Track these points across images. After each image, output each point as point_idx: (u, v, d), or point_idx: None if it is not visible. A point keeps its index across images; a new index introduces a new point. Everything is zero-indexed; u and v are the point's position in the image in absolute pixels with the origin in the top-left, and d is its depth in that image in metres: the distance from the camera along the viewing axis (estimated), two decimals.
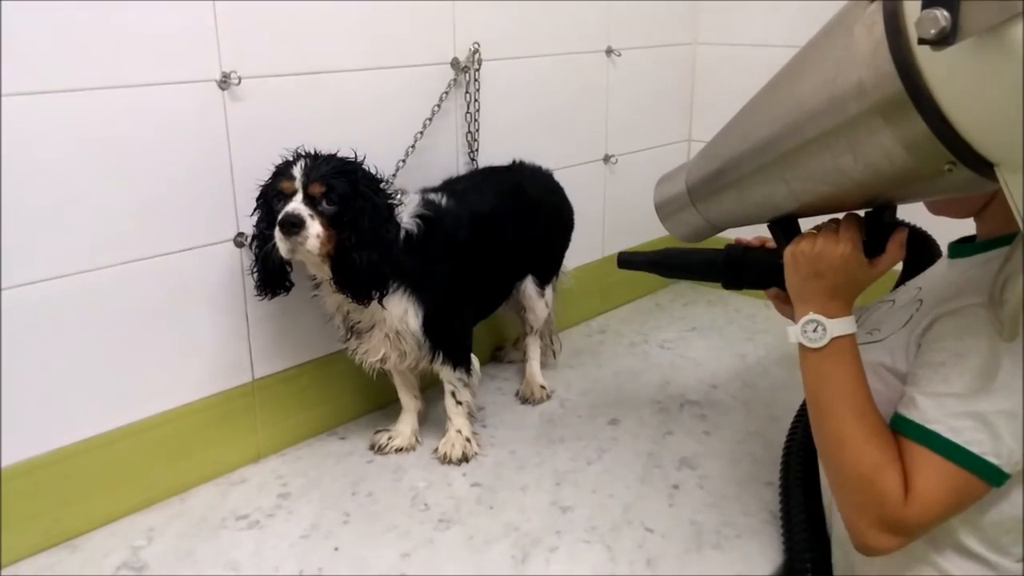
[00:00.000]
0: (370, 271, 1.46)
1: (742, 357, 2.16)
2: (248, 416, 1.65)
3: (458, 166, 1.92)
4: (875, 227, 1.13)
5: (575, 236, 2.06)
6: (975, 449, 1.03)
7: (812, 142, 1.03)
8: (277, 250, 1.44)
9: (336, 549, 1.42)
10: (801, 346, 1.17)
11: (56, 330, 1.37)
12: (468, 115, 1.89)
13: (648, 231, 2.49)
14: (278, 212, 1.43)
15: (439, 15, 1.80)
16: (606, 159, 2.33)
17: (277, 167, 1.48)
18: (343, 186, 1.45)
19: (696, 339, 2.29)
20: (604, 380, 2.05)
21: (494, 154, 1.95)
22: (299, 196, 1.43)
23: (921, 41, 0.80)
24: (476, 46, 1.84)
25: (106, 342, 1.43)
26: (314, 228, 1.41)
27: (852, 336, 1.14)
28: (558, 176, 2.01)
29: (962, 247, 1.23)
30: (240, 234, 1.56)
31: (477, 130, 1.91)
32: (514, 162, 1.94)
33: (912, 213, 1.22)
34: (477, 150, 1.92)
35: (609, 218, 2.39)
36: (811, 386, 1.17)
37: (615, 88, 2.29)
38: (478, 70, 1.86)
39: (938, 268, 1.30)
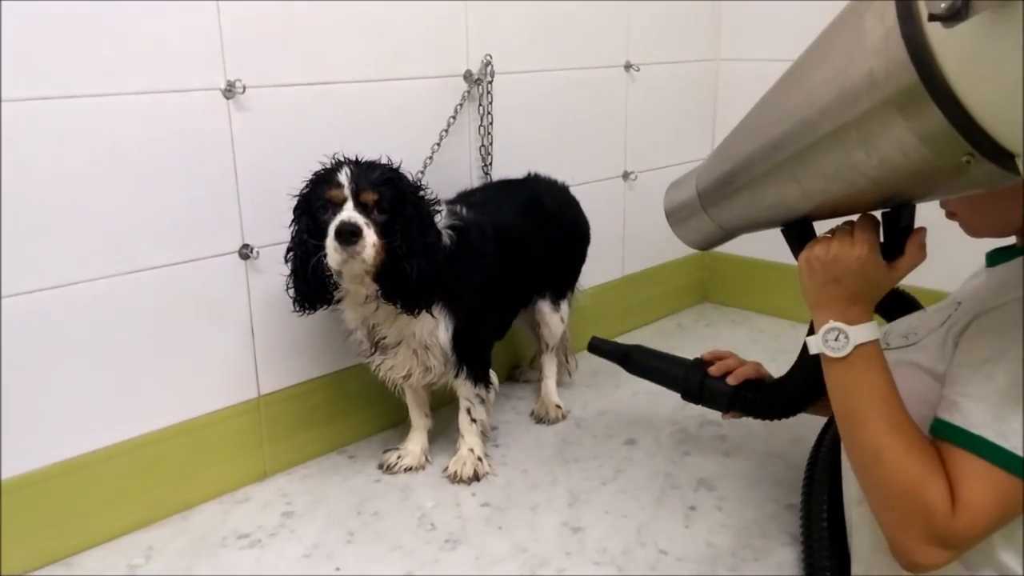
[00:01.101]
0: (420, 280, 1.42)
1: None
2: (253, 433, 1.62)
3: (472, 180, 1.89)
4: (893, 228, 1.08)
5: (593, 255, 2.02)
6: None
7: (824, 138, 0.98)
8: (323, 262, 1.39)
9: (337, 569, 1.38)
10: (825, 357, 1.11)
11: (55, 340, 1.35)
12: (482, 128, 1.86)
13: (670, 250, 2.46)
14: (326, 222, 1.38)
15: (452, 27, 1.78)
16: (625, 176, 2.29)
17: (317, 174, 1.44)
18: (391, 193, 1.41)
19: None
20: (622, 400, 2.00)
21: (509, 169, 1.92)
22: (350, 204, 1.38)
23: (931, 17, 0.75)
24: (489, 58, 1.82)
25: (106, 354, 1.40)
26: (370, 237, 1.37)
27: (876, 343, 1.08)
28: (576, 192, 1.98)
29: (1001, 253, 1.18)
30: (245, 246, 1.53)
31: (491, 144, 1.88)
32: (529, 174, 1.90)
33: (948, 228, 1.17)
34: (491, 164, 1.89)
35: (629, 236, 2.35)
36: (839, 398, 1.11)
37: (634, 104, 2.26)
38: (491, 83, 1.83)
39: (976, 278, 1.24)
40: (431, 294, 1.45)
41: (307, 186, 1.44)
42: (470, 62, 1.82)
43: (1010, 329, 1.01)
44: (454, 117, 1.78)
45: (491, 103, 1.85)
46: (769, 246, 1.19)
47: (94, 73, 1.31)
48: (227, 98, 1.46)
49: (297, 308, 1.48)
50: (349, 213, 1.37)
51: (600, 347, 1.66)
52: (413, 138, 1.74)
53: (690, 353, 2.27)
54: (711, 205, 1.24)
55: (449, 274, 1.50)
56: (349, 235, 1.34)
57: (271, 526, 1.49)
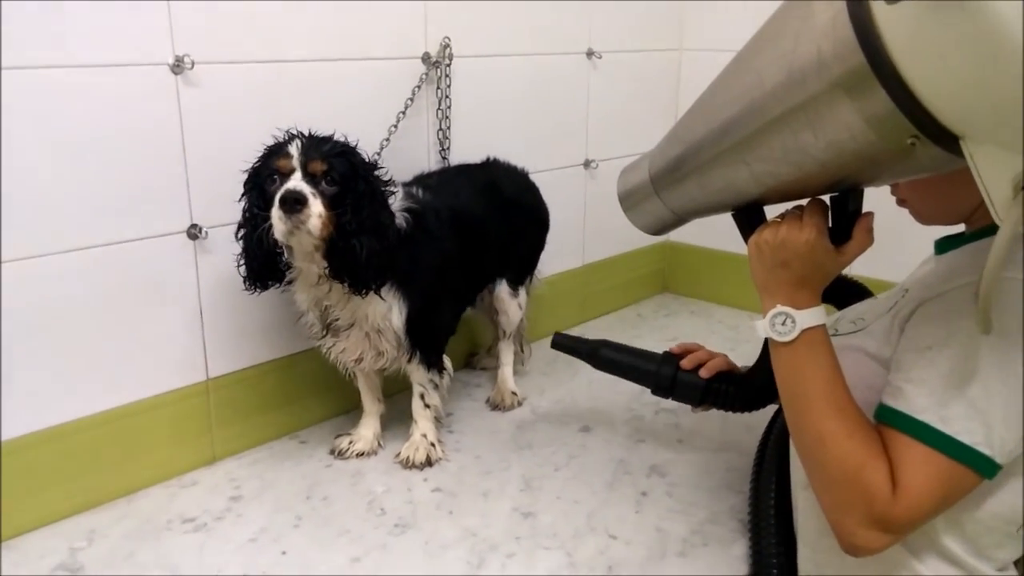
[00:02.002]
0: (369, 259, 1.40)
1: None
2: (202, 417, 1.59)
3: (430, 164, 1.87)
4: (840, 213, 1.08)
5: (554, 243, 2.01)
6: (966, 440, 0.97)
7: (772, 120, 0.98)
8: (270, 234, 1.36)
9: (284, 553, 1.36)
10: (772, 341, 1.11)
11: None
12: (440, 112, 1.85)
13: (631, 240, 2.45)
14: (274, 192, 1.35)
15: (410, 8, 1.75)
16: (587, 164, 2.28)
17: (269, 147, 1.42)
18: (343, 166, 1.39)
19: None
20: (578, 388, 1.99)
21: (468, 154, 1.91)
22: (298, 174, 1.36)
23: None
24: (447, 41, 1.80)
25: (48, 333, 1.37)
26: (316, 207, 1.34)
27: (823, 328, 1.08)
28: (537, 180, 1.96)
29: (949, 241, 1.18)
30: (194, 226, 1.50)
31: (449, 128, 1.86)
32: (488, 159, 1.89)
33: (901, 220, 1.17)
34: (449, 148, 1.88)
35: (590, 225, 2.34)
36: (785, 382, 1.11)
37: (596, 91, 2.25)
38: (449, 65, 1.81)
39: (926, 266, 1.24)
40: (381, 274, 1.43)
41: (258, 159, 1.42)
42: (428, 44, 1.80)
43: (954, 315, 1.01)
44: (411, 100, 1.76)
45: (449, 86, 1.83)
46: (729, 238, 1.18)
47: (34, 45, 1.27)
48: (175, 74, 1.43)
49: (247, 285, 1.45)
50: (295, 182, 1.35)
51: (564, 343, 1.60)
52: (370, 119, 1.71)
53: (651, 343, 2.27)
54: (663, 189, 1.24)
55: (403, 257, 1.48)
56: (293, 203, 1.32)
57: (218, 510, 1.47)
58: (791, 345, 1.08)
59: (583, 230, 2.34)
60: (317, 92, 1.63)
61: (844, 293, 1.48)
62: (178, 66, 1.42)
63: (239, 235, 1.44)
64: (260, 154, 1.42)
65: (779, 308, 1.08)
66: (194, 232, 1.50)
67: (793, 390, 1.09)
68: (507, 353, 1.94)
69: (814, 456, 1.07)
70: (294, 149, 1.38)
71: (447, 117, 1.85)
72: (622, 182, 1.32)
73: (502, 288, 1.87)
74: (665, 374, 1.45)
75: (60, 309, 1.38)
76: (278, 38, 1.55)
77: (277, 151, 1.40)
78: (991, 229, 1.03)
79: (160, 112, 1.43)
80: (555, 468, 1.62)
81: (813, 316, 1.08)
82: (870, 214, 1.08)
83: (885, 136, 0.87)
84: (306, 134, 1.42)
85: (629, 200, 1.32)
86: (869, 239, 1.08)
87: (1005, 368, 0.97)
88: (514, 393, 1.90)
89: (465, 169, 1.85)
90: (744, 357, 1.45)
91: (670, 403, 1.85)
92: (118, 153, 1.39)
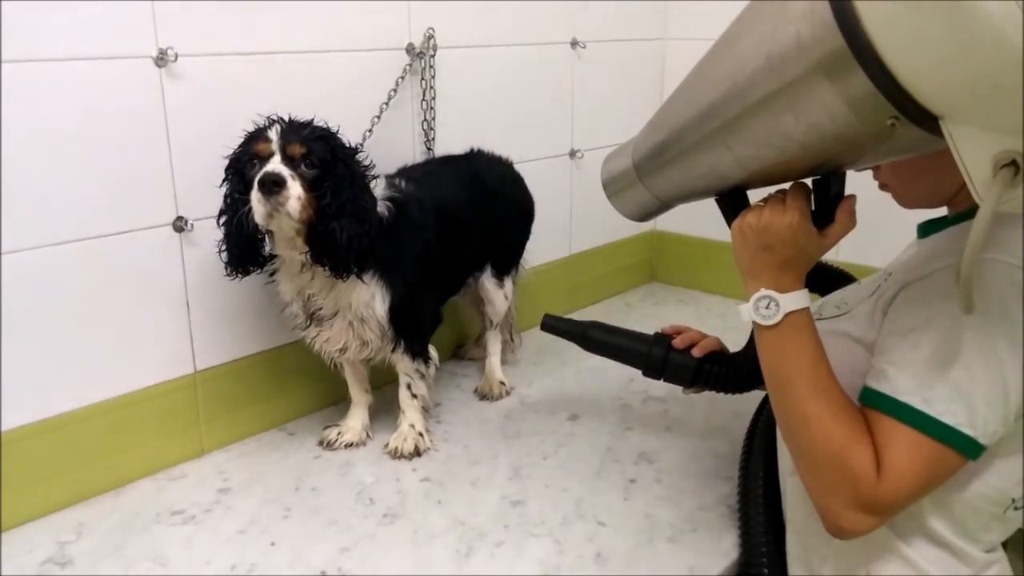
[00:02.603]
0: (350, 243, 1.40)
1: None
2: (190, 409, 1.59)
3: (414, 155, 1.87)
4: (823, 196, 1.08)
5: (540, 234, 2.01)
6: (949, 421, 0.98)
7: (753, 104, 0.98)
8: (251, 218, 1.36)
9: (272, 544, 1.36)
10: (756, 325, 1.11)
11: None
12: (424, 103, 1.84)
13: (618, 229, 2.46)
14: (253, 176, 1.36)
15: None
16: (572, 154, 2.28)
17: (250, 133, 1.42)
18: (323, 150, 1.40)
19: None
20: (567, 377, 1.99)
21: (454, 145, 1.90)
22: (277, 157, 1.37)
23: None
24: (431, 31, 1.80)
25: (33, 328, 1.37)
26: (295, 189, 1.34)
27: (807, 311, 1.09)
28: (522, 170, 1.96)
29: (932, 224, 1.19)
30: (179, 218, 1.50)
31: (434, 119, 1.86)
32: (472, 150, 1.88)
33: (885, 206, 1.18)
34: (434, 139, 1.87)
35: (576, 215, 2.34)
36: (769, 365, 1.11)
37: (581, 81, 2.25)
38: (433, 56, 1.81)
39: (909, 250, 1.25)
40: (362, 258, 1.43)
41: (239, 145, 1.42)
42: (412, 35, 1.79)
43: (937, 298, 1.01)
44: (395, 90, 1.76)
45: (433, 77, 1.83)
46: (717, 226, 1.19)
47: (17, 38, 1.27)
48: (159, 66, 1.42)
49: (228, 271, 1.46)
50: (274, 164, 1.35)
51: (554, 325, 1.60)
52: (353, 111, 1.71)
53: (638, 328, 2.28)
54: (647, 175, 1.24)
55: (385, 245, 1.48)
56: (272, 184, 1.32)
57: (206, 502, 1.47)
58: (775, 328, 1.09)
59: (569, 220, 2.34)
60: (301, 84, 1.63)
61: (827, 280, 1.49)
62: (162, 59, 1.42)
63: (220, 221, 1.44)
64: (241, 140, 1.43)
65: (763, 292, 1.09)
66: (180, 225, 1.50)
67: (777, 373, 1.10)
68: (494, 343, 1.94)
69: (799, 439, 1.07)
70: (273, 133, 1.38)
71: (431, 108, 1.85)
72: (606, 169, 1.33)
73: (487, 278, 1.87)
74: (656, 355, 1.44)
75: (45, 303, 1.37)
76: (262, 30, 1.55)
77: (257, 136, 1.40)
78: (973, 212, 1.04)
79: (144, 105, 1.42)
80: (543, 457, 1.62)
81: (797, 299, 1.08)
82: (852, 197, 1.08)
83: (865, 118, 0.88)
84: (286, 119, 1.42)
85: (613, 187, 1.32)
86: (852, 222, 1.08)
87: (987, 350, 0.97)
88: (502, 383, 1.90)
89: (449, 160, 1.85)
90: (733, 344, 1.45)
91: (658, 391, 1.88)
92: (102, 146, 1.39)
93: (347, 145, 1.47)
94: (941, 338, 0.99)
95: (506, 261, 1.90)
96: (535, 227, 1.99)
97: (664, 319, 2.34)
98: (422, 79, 1.83)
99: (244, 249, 1.43)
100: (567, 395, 1.90)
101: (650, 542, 1.36)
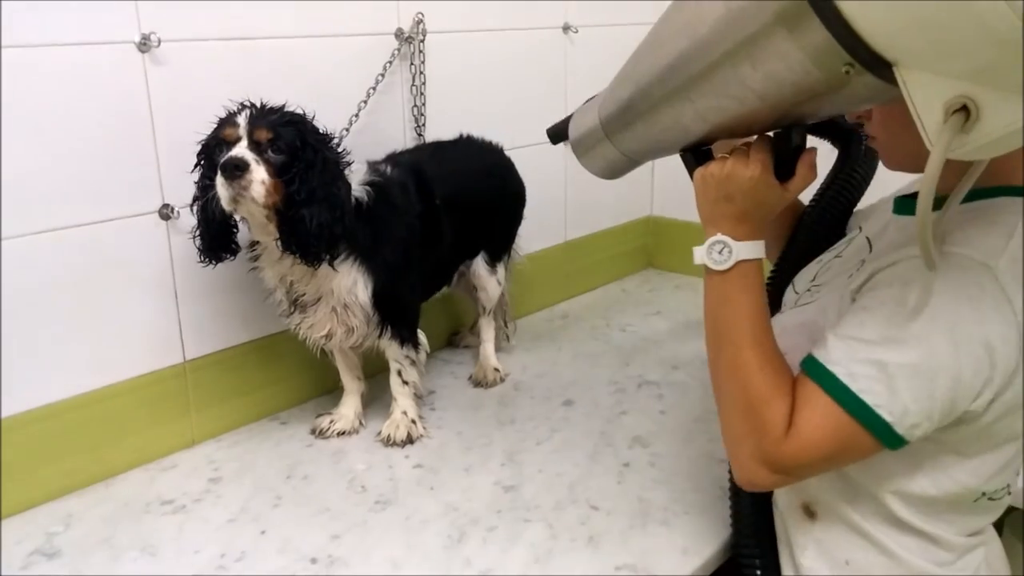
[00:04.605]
0: (320, 230, 1.39)
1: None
2: (180, 399, 1.58)
3: (405, 141, 1.86)
4: (783, 149, 1.07)
5: (536, 220, 2.00)
6: (867, 399, 0.97)
7: (712, 55, 0.97)
8: (219, 203, 1.35)
9: (263, 532, 1.35)
10: (706, 269, 1.11)
11: None
12: (414, 88, 1.83)
13: (614, 216, 2.44)
14: (219, 161, 1.34)
15: None
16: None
17: (221, 118, 1.41)
18: (291, 135, 1.38)
19: (660, 322, 2.22)
20: (561, 363, 1.98)
21: (445, 131, 1.89)
22: (243, 143, 1.35)
23: None
24: (420, 16, 1.78)
25: (20, 317, 1.36)
26: (259, 173, 1.33)
27: (759, 262, 1.09)
28: (516, 157, 1.94)
29: (907, 204, 1.17)
30: (165, 205, 1.49)
31: (424, 104, 1.85)
32: (461, 136, 1.87)
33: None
34: (424, 125, 1.86)
35: (572, 202, 2.33)
36: (711, 310, 1.12)
37: (574, 66, 2.23)
38: (423, 41, 1.80)
39: (882, 217, 1.24)
40: (332, 245, 1.42)
41: (211, 132, 1.41)
42: (401, 20, 1.78)
43: (898, 284, 1.01)
44: (383, 75, 1.75)
45: (423, 63, 1.82)
46: (661, 161, 1.17)
47: None
48: (142, 52, 1.41)
49: (201, 258, 1.44)
50: (238, 149, 1.34)
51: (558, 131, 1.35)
52: (341, 97, 1.69)
53: (635, 318, 2.27)
54: (614, 133, 1.22)
55: (366, 231, 1.47)
56: (233, 168, 1.31)
57: (197, 492, 1.46)
58: (724, 274, 1.08)
59: (565, 206, 2.32)
60: (287, 69, 1.61)
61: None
62: (145, 44, 1.40)
63: (193, 208, 1.43)
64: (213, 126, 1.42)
65: (718, 236, 1.08)
66: (166, 212, 1.49)
67: (716, 318, 1.10)
68: (488, 330, 1.93)
69: (724, 385, 1.09)
70: (242, 119, 1.37)
71: (422, 94, 1.84)
72: (573, 128, 1.31)
73: (479, 264, 1.86)
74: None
75: (31, 292, 1.36)
76: (246, 15, 1.53)
77: (226, 121, 1.39)
78: (944, 199, 1.03)
79: (128, 91, 1.41)
80: (537, 442, 1.61)
81: (751, 249, 1.08)
82: (813, 149, 1.08)
83: (821, 65, 0.87)
84: (257, 105, 1.41)
85: (581, 146, 1.30)
86: (812, 174, 1.08)
87: (929, 347, 0.96)
88: (496, 369, 1.89)
89: (439, 146, 1.84)
90: None
91: (653, 376, 1.87)
92: (86, 133, 1.38)
93: (319, 131, 1.45)
94: (886, 322, 0.99)
95: (498, 247, 1.89)
96: (531, 213, 1.97)
97: (661, 304, 2.35)
98: (411, 64, 1.81)
99: (215, 235, 1.42)
100: (561, 380, 1.89)
101: (643, 525, 1.34)
